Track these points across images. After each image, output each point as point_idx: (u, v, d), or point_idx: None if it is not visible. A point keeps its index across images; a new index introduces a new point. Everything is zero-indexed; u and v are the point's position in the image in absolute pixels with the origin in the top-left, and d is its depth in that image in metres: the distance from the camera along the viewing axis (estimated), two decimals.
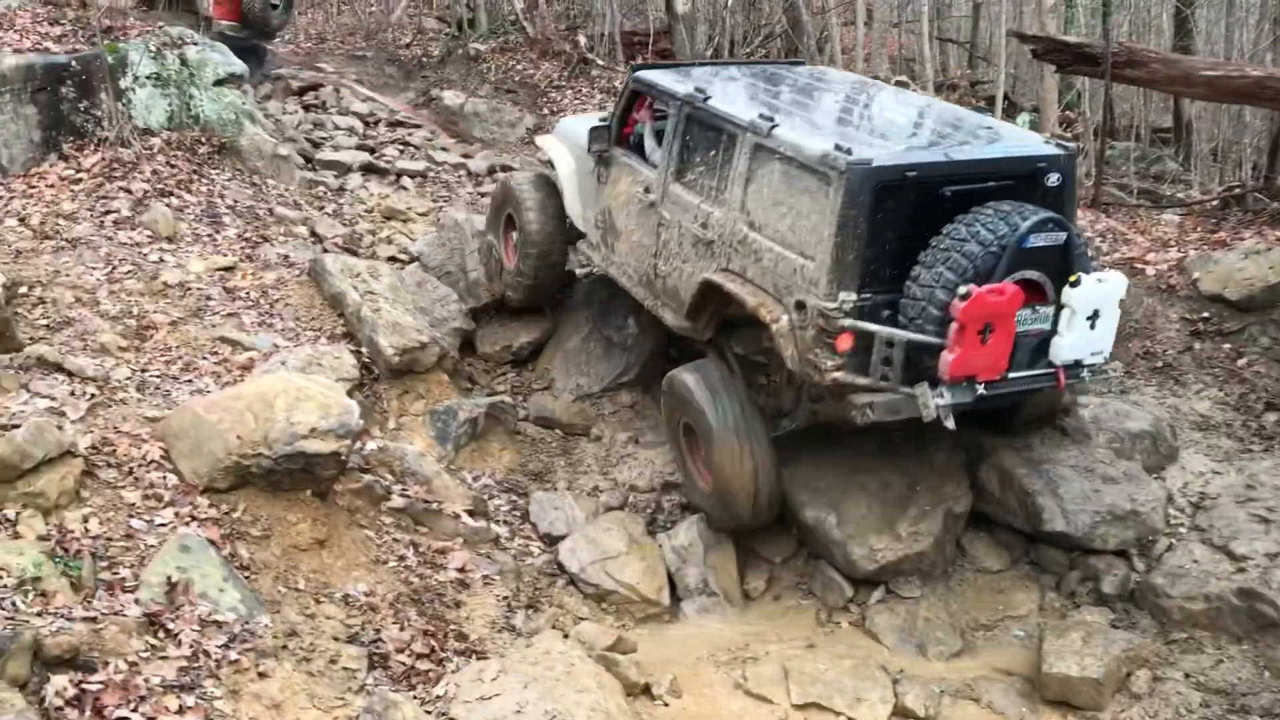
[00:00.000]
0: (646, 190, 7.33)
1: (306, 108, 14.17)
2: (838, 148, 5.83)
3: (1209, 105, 13.67)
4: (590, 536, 7.13)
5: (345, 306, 8.35)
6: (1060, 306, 5.91)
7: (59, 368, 6.62)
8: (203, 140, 10.65)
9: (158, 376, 7.04)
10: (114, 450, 5.91)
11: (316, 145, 12.89)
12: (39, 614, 4.69)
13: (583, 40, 17.36)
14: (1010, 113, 15.13)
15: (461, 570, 6.60)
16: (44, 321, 7.35)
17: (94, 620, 4.77)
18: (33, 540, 5.08)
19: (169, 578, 5.17)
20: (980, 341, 5.67)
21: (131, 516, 5.51)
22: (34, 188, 9.44)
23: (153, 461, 5.93)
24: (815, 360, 5.92)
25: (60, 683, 4.39)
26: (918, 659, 6.56)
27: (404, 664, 5.59)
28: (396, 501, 6.81)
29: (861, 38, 15.67)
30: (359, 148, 13.04)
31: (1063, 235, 5.82)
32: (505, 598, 6.56)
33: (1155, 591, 6.63)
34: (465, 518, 7.01)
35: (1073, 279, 5.83)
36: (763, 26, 18.52)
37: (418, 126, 14.13)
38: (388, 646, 5.64)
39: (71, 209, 9.12)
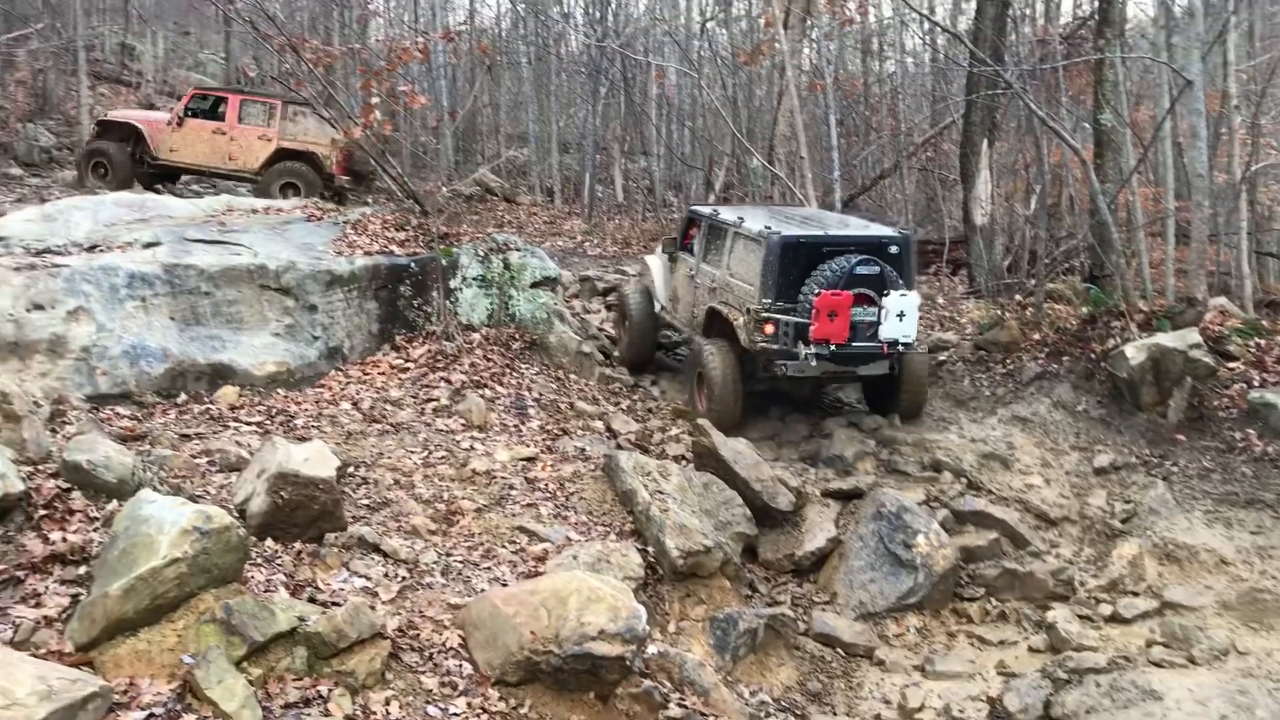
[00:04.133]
0: (690, 270, 12.19)
1: (609, 307, 15.01)
2: (767, 228, 10.73)
3: None
4: None
5: (635, 504, 8.54)
6: (881, 308, 10.34)
7: (376, 548, 7.11)
8: (516, 336, 11.51)
9: (460, 562, 7.41)
10: (418, 634, 6.22)
11: (615, 343, 13.58)
12: None
13: None
14: None
15: None
16: (366, 501, 7.94)
17: None
18: (340, 718, 5.37)
19: None
20: (830, 321, 10.21)
21: (428, 703, 5.73)
22: (368, 375, 10.42)
23: (451, 649, 6.17)
24: (754, 338, 10.61)
25: None
26: None
27: None
28: (674, 711, 6.72)
29: (1172, 252, 14.97)
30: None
31: (877, 268, 10.38)
32: None
33: None
34: None
35: (885, 292, 10.36)
36: (1065, 238, 18.10)
37: None
38: None
39: (398, 396, 9.96)
